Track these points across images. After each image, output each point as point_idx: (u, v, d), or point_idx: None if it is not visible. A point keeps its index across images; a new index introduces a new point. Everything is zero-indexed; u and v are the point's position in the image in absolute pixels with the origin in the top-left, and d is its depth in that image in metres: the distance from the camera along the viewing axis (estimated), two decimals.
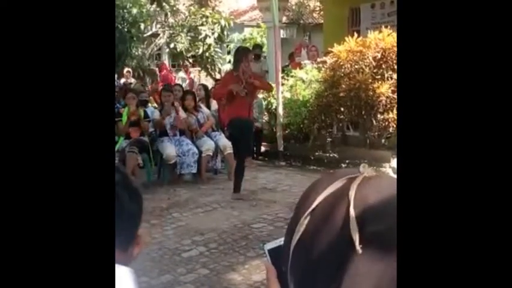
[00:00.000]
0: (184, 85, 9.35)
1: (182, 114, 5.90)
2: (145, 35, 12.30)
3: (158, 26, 12.65)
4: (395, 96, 5.79)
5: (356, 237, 0.49)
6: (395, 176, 0.58)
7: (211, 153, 5.92)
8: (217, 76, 12.28)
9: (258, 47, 9.45)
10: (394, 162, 6.13)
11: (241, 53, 5.13)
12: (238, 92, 4.86)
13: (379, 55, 5.87)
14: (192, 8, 12.43)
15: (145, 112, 5.94)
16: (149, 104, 7.08)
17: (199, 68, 13.19)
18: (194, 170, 5.81)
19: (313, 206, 0.54)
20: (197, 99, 6.44)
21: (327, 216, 0.53)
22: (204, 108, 6.31)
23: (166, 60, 14.76)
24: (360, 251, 0.49)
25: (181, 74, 10.60)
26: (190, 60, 12.99)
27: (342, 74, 6.05)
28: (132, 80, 10.67)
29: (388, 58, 5.84)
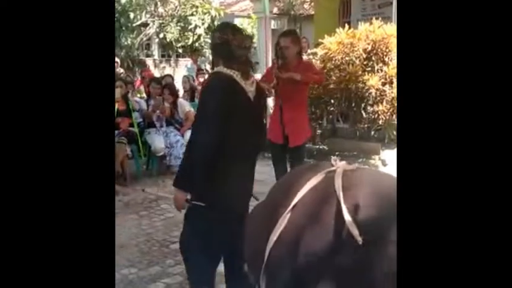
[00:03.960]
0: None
1: (166, 104, 5.85)
2: (134, 25, 12.15)
3: (148, 15, 12.50)
4: (385, 88, 5.81)
5: (355, 231, 0.48)
6: (373, 168, 0.58)
7: None
8: (207, 67, 12.21)
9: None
10: (383, 155, 6.16)
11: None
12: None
13: (369, 47, 5.87)
14: None
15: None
16: (138, 95, 7.02)
17: (189, 59, 13.10)
18: None
19: (294, 202, 0.52)
20: (180, 91, 6.32)
21: (314, 212, 0.52)
22: (182, 105, 6.02)
23: (156, 50, 14.63)
24: (361, 242, 0.48)
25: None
26: (180, 51, 12.89)
27: (332, 66, 6.05)
28: (121, 70, 10.56)
29: (379, 50, 5.85)
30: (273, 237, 0.53)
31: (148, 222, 4.17)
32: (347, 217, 0.49)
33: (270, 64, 6.99)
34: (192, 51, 10.49)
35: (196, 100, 6.57)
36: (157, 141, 5.67)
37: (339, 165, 0.54)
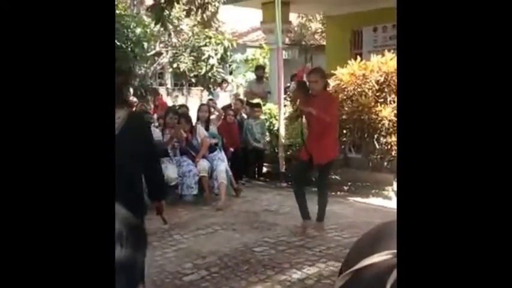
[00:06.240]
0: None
1: (183, 132, 5.93)
2: (148, 54, 12.39)
3: (161, 45, 12.75)
4: None
5: None
6: None
7: (205, 174, 5.85)
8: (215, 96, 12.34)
9: (261, 68, 9.50)
10: (396, 186, 6.11)
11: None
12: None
13: (381, 79, 5.90)
14: (195, 28, 12.55)
15: None
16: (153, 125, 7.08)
17: (202, 88, 13.26)
18: (195, 192, 5.77)
19: (356, 267, 0.59)
20: (196, 120, 6.39)
21: (362, 286, 0.56)
22: (199, 131, 6.15)
23: (169, 79, 14.85)
24: None
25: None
26: (193, 80, 13.07)
27: (345, 97, 6.08)
28: (134, 99, 10.71)
29: (391, 82, 5.87)
30: (336, 285, 0.61)
31: (160, 253, 4.14)
32: None
33: (282, 93, 7.06)
34: (223, 80, 10.72)
35: (211, 129, 6.62)
36: (171, 170, 5.69)
37: None
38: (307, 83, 4.66)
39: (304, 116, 4.80)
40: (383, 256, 0.58)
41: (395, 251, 0.57)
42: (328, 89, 4.94)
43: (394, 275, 0.55)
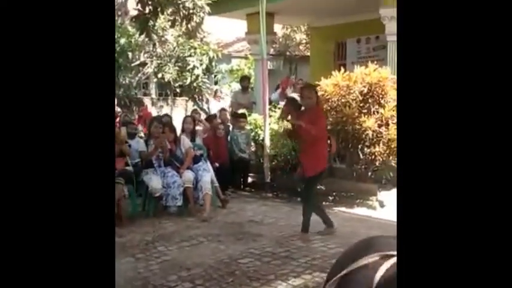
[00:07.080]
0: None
1: (167, 143, 5.89)
2: (133, 65, 12.32)
3: (146, 55, 12.70)
4: (381, 130, 5.87)
5: None
6: None
7: (190, 185, 5.81)
8: (205, 106, 12.32)
9: (247, 78, 9.53)
10: (380, 195, 6.15)
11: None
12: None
13: (365, 89, 5.96)
14: (180, 38, 12.53)
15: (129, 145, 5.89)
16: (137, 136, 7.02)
17: (187, 98, 13.22)
18: (179, 203, 5.72)
19: (343, 273, 0.61)
20: (179, 131, 6.36)
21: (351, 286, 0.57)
22: (184, 141, 6.12)
23: (153, 89, 14.79)
24: None
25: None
26: (178, 90, 13.04)
27: (329, 108, 6.12)
28: (118, 109, 10.63)
29: (374, 93, 5.94)
30: None
31: (144, 266, 4.09)
32: None
33: (267, 104, 7.10)
34: (216, 90, 10.78)
35: (197, 140, 6.58)
36: (155, 181, 5.64)
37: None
38: (299, 99, 4.93)
39: (295, 130, 4.97)
40: (370, 258, 0.59)
41: (383, 252, 0.58)
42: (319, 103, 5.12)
43: (380, 272, 0.56)
